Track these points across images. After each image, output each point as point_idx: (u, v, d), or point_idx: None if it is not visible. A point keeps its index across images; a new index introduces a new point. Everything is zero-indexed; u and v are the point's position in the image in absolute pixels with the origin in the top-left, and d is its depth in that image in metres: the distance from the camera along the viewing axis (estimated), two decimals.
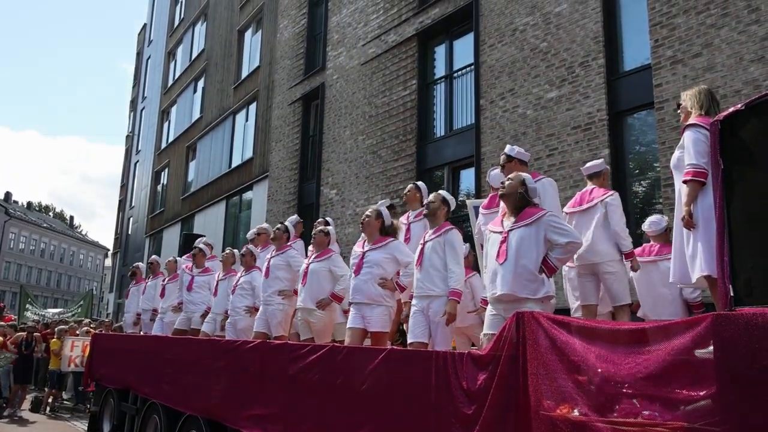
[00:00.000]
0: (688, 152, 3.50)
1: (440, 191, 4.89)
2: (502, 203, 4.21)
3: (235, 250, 7.89)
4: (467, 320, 5.26)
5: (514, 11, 10.24)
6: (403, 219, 5.92)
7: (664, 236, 5.31)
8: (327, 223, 6.88)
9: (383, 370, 3.62)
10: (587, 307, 4.80)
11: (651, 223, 5.34)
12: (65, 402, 12.75)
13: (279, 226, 6.63)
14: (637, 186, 8.73)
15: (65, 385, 12.70)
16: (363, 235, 5.29)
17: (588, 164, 5.18)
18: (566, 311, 4.99)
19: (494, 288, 3.86)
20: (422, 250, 4.64)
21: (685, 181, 3.52)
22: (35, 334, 12.72)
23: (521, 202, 3.93)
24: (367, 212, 5.19)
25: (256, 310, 6.53)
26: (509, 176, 4.11)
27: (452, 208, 4.90)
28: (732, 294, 2.47)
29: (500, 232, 3.95)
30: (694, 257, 3.43)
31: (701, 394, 2.34)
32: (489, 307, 4.01)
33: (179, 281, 8.32)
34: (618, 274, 4.69)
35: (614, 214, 4.73)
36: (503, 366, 2.90)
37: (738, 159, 2.57)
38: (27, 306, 20.05)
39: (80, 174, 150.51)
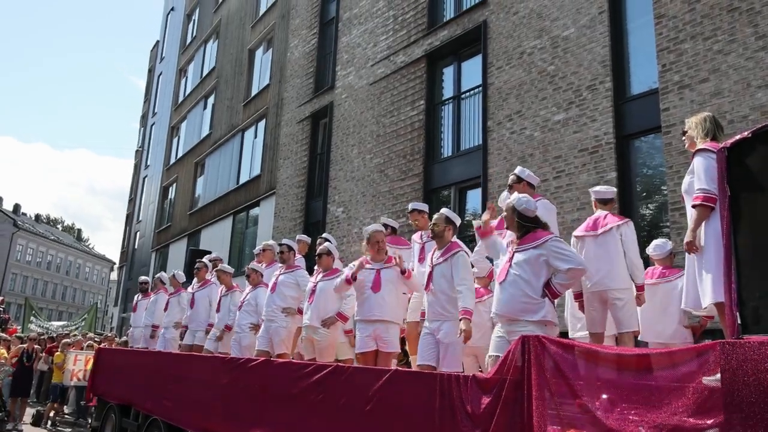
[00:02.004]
0: (699, 177, 3.51)
1: (443, 210, 4.89)
2: None
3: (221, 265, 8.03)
4: (477, 340, 5.24)
5: (522, 34, 10.34)
6: (416, 238, 5.94)
7: (668, 260, 5.30)
8: (327, 241, 6.91)
9: (387, 391, 3.61)
10: (596, 335, 4.76)
11: (656, 247, 5.34)
12: (67, 416, 12.66)
13: (283, 246, 6.63)
14: (645, 209, 8.72)
15: (67, 400, 12.64)
16: (368, 254, 5.29)
17: (600, 188, 5.14)
18: (565, 335, 4.98)
19: (494, 306, 3.94)
20: (431, 274, 4.64)
21: (694, 206, 3.52)
22: (36, 346, 12.67)
23: (522, 227, 3.99)
24: (378, 237, 5.18)
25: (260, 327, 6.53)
26: (504, 207, 4.18)
27: (457, 224, 4.90)
28: (740, 322, 2.46)
29: (508, 252, 4.02)
30: (704, 283, 3.42)
31: (708, 422, 2.33)
32: (495, 329, 4.02)
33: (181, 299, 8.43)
34: (628, 301, 4.68)
35: (633, 243, 4.77)
36: (508, 390, 2.89)
37: (745, 186, 2.58)
38: (31, 318, 20.08)
39: (87, 186, 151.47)
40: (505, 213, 4.13)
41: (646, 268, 5.36)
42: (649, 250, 5.37)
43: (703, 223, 3.48)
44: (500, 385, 2.94)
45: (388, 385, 3.62)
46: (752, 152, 2.57)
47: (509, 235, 4.45)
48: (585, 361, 2.81)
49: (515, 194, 4.27)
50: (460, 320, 4.37)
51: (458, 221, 4.94)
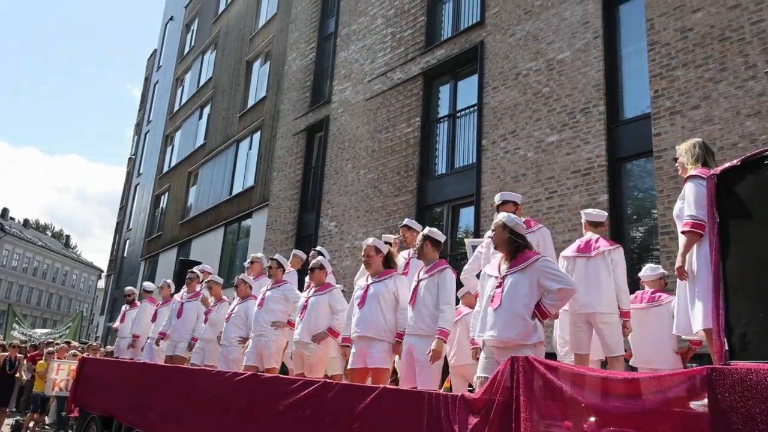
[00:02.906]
0: (689, 204, 3.54)
1: (425, 230, 4.92)
2: None
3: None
4: (465, 360, 5.22)
5: (518, 56, 10.45)
6: (404, 254, 5.96)
7: (658, 283, 5.34)
8: (320, 254, 6.90)
9: (375, 409, 3.59)
10: (580, 356, 4.78)
11: (647, 268, 5.41)
12: (47, 427, 12.39)
13: (272, 261, 6.62)
14: (635, 232, 8.78)
15: (48, 410, 12.40)
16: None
17: (591, 211, 5.20)
18: (552, 356, 4.99)
19: (486, 332, 3.84)
20: (416, 288, 4.65)
21: (683, 232, 3.55)
22: (18, 355, 12.44)
23: (513, 246, 3.93)
24: (368, 251, 5.15)
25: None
26: (492, 226, 4.10)
27: (439, 239, 4.86)
28: (727, 348, 2.47)
29: (496, 277, 3.94)
30: (695, 309, 3.43)
31: None
32: (482, 351, 3.98)
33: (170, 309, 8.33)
34: (614, 325, 4.70)
35: (622, 269, 4.80)
36: (496, 411, 2.88)
37: (733, 213, 2.61)
38: (14, 325, 19.78)
39: (77, 192, 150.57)
40: (493, 231, 4.06)
41: (634, 292, 5.40)
42: (641, 273, 5.42)
43: (695, 249, 3.51)
44: (488, 405, 2.93)
45: (375, 403, 3.59)
46: (741, 180, 2.61)
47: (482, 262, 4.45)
48: (574, 384, 2.80)
49: (502, 213, 4.24)
50: (436, 339, 4.38)
51: (441, 238, 4.91)
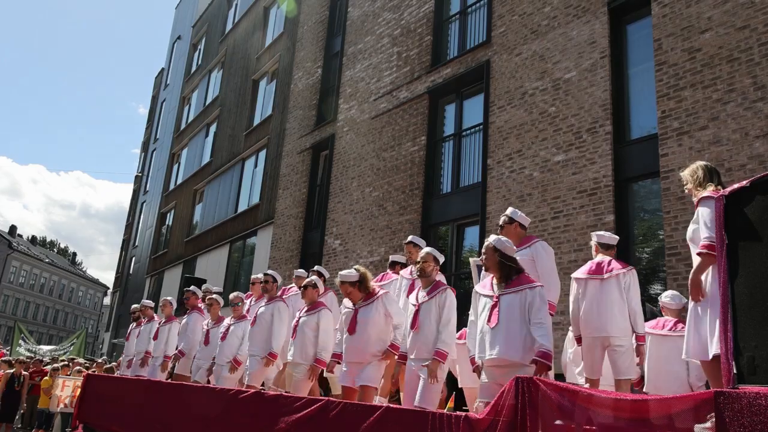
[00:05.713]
0: (704, 226, 3.44)
1: (430, 249, 4.88)
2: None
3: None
4: (475, 381, 5.17)
5: (524, 75, 10.49)
6: (405, 273, 5.92)
7: (677, 313, 5.24)
8: (320, 274, 6.89)
9: (378, 428, 3.55)
10: (591, 381, 4.72)
11: (673, 297, 5.28)
12: None
13: (268, 276, 6.62)
14: (641, 253, 8.72)
15: (52, 426, 12.37)
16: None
17: (604, 234, 5.19)
18: (559, 377, 4.93)
19: (485, 351, 3.82)
20: (417, 311, 4.61)
21: (699, 254, 3.46)
22: (23, 372, 12.45)
23: (506, 270, 3.95)
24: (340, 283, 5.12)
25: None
26: (483, 249, 4.11)
27: (441, 260, 4.89)
28: (735, 371, 2.43)
29: (491, 296, 3.94)
30: (712, 334, 3.33)
31: None
32: (483, 375, 3.94)
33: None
34: (628, 348, 4.66)
35: (636, 292, 4.76)
36: (501, 431, 2.84)
37: (742, 235, 2.59)
38: (20, 341, 19.83)
39: (81, 209, 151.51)
40: (484, 254, 4.08)
41: (654, 318, 5.32)
42: (664, 298, 5.32)
43: (712, 272, 3.42)
44: (492, 425, 2.90)
45: (378, 423, 3.56)
46: (751, 201, 2.59)
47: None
48: (579, 405, 2.77)
49: (492, 235, 4.25)
50: (432, 359, 4.37)
51: (442, 259, 4.92)
